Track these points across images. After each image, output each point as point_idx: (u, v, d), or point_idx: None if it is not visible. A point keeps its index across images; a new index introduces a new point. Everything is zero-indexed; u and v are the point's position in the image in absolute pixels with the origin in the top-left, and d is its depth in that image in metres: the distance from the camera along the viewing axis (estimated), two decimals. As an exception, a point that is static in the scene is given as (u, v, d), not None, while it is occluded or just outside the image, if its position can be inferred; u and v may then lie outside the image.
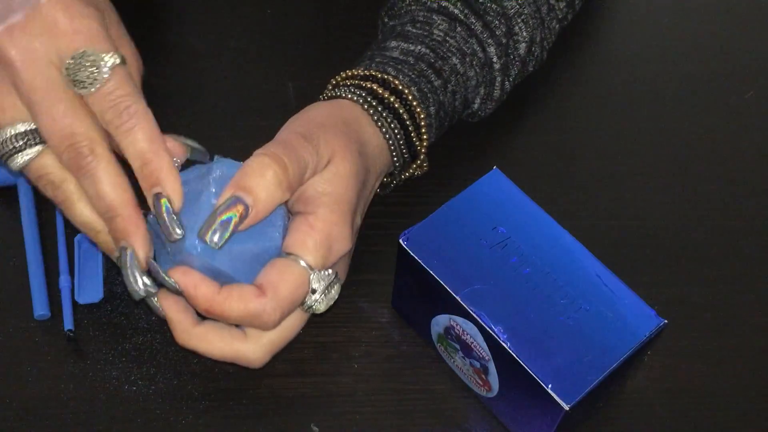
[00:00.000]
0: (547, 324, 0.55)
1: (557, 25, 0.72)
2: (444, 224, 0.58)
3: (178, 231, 0.53)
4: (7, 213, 0.67)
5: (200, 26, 0.78)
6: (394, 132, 0.62)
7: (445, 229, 0.58)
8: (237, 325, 0.57)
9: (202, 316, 0.56)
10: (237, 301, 0.54)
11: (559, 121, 0.75)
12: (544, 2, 0.69)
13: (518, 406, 0.57)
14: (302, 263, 0.55)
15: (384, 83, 0.62)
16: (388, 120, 0.62)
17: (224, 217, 0.53)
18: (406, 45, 0.65)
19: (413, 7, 0.68)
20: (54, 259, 0.64)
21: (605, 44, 0.80)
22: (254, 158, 0.54)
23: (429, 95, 0.64)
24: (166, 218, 0.53)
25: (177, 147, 0.56)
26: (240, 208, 0.53)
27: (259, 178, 0.53)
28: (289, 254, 0.55)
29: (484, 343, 0.56)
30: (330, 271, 0.56)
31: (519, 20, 0.67)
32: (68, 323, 0.61)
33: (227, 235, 0.53)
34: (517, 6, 0.68)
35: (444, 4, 0.67)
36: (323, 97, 0.63)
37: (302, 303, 0.56)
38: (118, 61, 0.52)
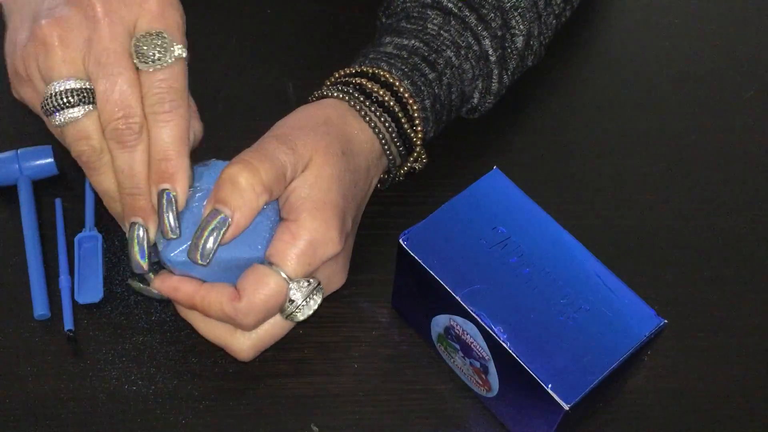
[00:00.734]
0: (547, 324, 0.55)
1: (554, 20, 0.72)
2: (444, 224, 0.58)
3: (177, 231, 0.54)
4: (7, 213, 0.67)
5: (200, 26, 0.78)
6: (384, 125, 0.62)
7: (445, 229, 0.58)
8: None
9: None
10: (213, 301, 0.55)
11: (559, 121, 0.75)
12: None
13: (518, 406, 0.57)
14: (282, 274, 0.55)
15: (374, 78, 0.62)
16: (377, 114, 0.61)
17: (206, 233, 0.54)
18: (399, 40, 0.65)
19: (408, 4, 0.68)
20: (54, 259, 0.64)
21: (605, 44, 0.80)
22: (225, 169, 0.55)
23: (423, 88, 0.63)
24: (170, 215, 0.54)
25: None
26: (220, 220, 0.54)
27: (232, 188, 0.54)
28: (269, 262, 0.56)
29: (484, 343, 0.56)
30: (311, 281, 0.57)
31: (515, 13, 0.68)
32: (68, 323, 0.61)
33: (212, 252, 0.54)
34: (514, 0, 0.68)
35: None
36: (311, 98, 0.64)
37: (282, 311, 0.57)
38: (184, 54, 0.54)
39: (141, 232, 0.55)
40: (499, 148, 0.73)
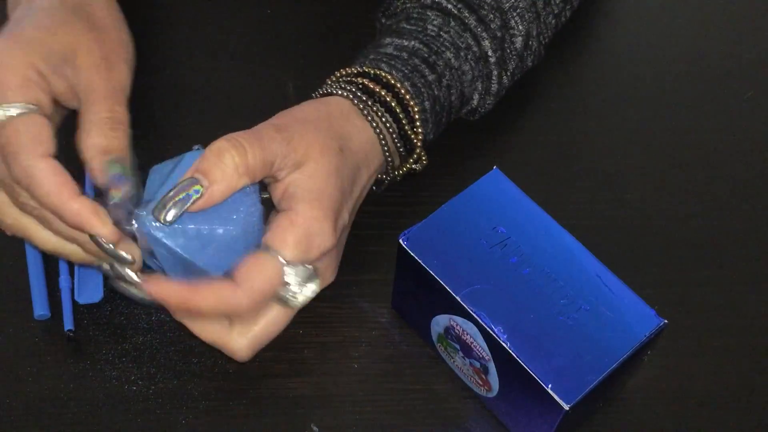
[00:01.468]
0: (547, 324, 0.55)
1: (554, 20, 0.72)
2: (444, 224, 0.58)
3: (126, 257, 0.55)
4: (7, 213, 0.67)
5: (200, 26, 0.78)
6: (386, 126, 0.62)
7: (445, 229, 0.58)
8: None
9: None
10: (208, 292, 0.54)
11: (559, 121, 0.75)
12: None
13: (518, 406, 0.57)
14: (278, 257, 0.55)
15: (376, 78, 0.63)
16: (379, 114, 0.62)
17: (178, 197, 0.54)
18: (399, 41, 0.65)
19: (408, 5, 0.68)
20: (54, 259, 0.64)
21: (605, 44, 0.80)
22: (215, 143, 0.55)
23: (423, 90, 0.64)
24: (109, 251, 0.54)
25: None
26: (195, 189, 0.54)
27: (217, 161, 0.54)
28: (267, 248, 0.56)
29: (484, 343, 0.56)
30: (308, 266, 0.56)
31: (514, 14, 0.68)
32: (68, 323, 0.61)
33: (178, 212, 0.54)
34: (512, 0, 0.68)
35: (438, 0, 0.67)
36: (315, 95, 0.64)
37: (278, 298, 0.57)
38: (14, 113, 0.54)
39: (102, 242, 0.54)
40: (499, 148, 0.73)
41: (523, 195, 0.60)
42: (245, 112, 0.73)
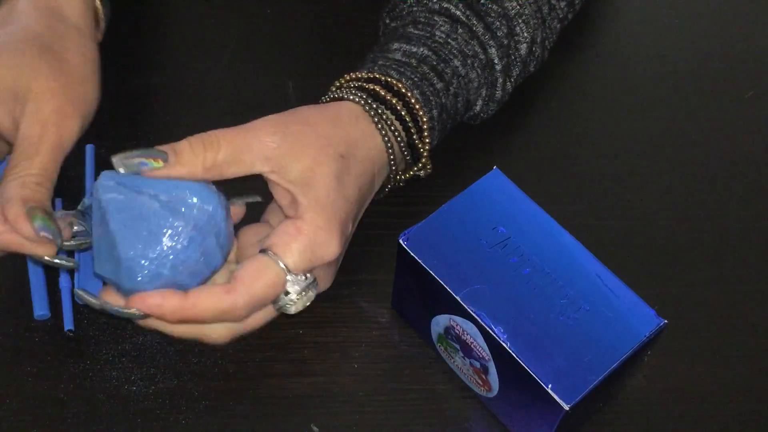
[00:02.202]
0: (547, 324, 0.55)
1: (558, 25, 0.72)
2: (444, 224, 0.58)
3: (68, 264, 0.56)
4: (7, 213, 0.67)
5: (200, 26, 0.78)
6: (394, 134, 0.62)
7: (445, 229, 0.58)
8: None
9: None
10: (207, 303, 0.54)
11: (559, 121, 0.75)
12: (545, 2, 0.69)
13: (518, 406, 0.57)
14: (281, 264, 0.55)
15: (387, 85, 0.62)
16: (388, 123, 0.62)
17: (141, 158, 0.54)
18: (408, 47, 0.65)
19: (415, 9, 0.68)
20: (54, 259, 0.64)
21: (605, 44, 0.80)
22: (197, 136, 0.56)
23: (431, 98, 0.64)
24: (56, 262, 0.56)
25: (235, 210, 0.59)
26: (160, 158, 0.54)
27: (189, 147, 0.55)
28: (269, 252, 0.56)
29: (484, 343, 0.56)
30: (309, 275, 0.57)
31: (520, 21, 0.67)
32: (68, 323, 0.61)
33: (133, 168, 0.54)
34: (518, 6, 0.67)
35: (445, 5, 0.67)
36: (325, 98, 0.63)
37: (275, 301, 0.57)
38: None
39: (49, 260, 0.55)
40: (499, 148, 0.73)
41: (523, 195, 0.60)
42: (245, 112, 0.72)
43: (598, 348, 0.54)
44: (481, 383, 0.59)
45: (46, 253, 0.55)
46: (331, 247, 0.56)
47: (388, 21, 0.71)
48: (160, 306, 0.54)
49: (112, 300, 0.55)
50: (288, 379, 0.61)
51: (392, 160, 0.62)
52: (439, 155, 0.67)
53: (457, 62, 0.65)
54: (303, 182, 0.57)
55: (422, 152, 0.64)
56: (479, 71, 0.66)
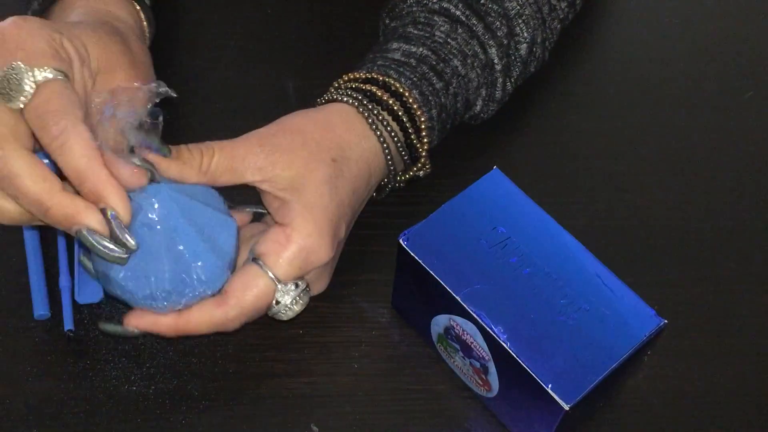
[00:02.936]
0: (547, 324, 0.55)
1: (559, 25, 0.72)
2: (444, 224, 0.58)
3: (131, 241, 0.52)
4: (7, 213, 0.67)
5: (200, 26, 0.78)
6: (390, 135, 0.62)
7: (445, 229, 0.58)
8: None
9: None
10: (199, 317, 0.56)
11: (559, 121, 0.75)
12: (545, 2, 0.69)
13: (518, 406, 0.57)
14: (270, 275, 0.56)
15: (384, 86, 0.62)
16: (384, 123, 0.61)
17: (154, 145, 0.54)
18: (407, 47, 0.65)
19: (414, 9, 0.68)
20: (54, 259, 0.64)
21: (605, 44, 0.80)
22: (194, 144, 0.56)
23: (431, 98, 0.63)
24: (117, 231, 0.51)
25: (241, 217, 0.60)
26: (163, 150, 0.55)
27: (187, 151, 0.56)
28: (260, 261, 0.56)
29: (484, 343, 0.56)
30: (299, 283, 0.57)
31: (520, 21, 0.67)
32: (68, 323, 0.61)
33: (140, 144, 0.54)
34: (518, 7, 0.67)
35: (445, 5, 0.67)
36: (321, 100, 0.64)
37: (267, 310, 0.58)
38: (50, 76, 0.51)
39: (113, 218, 0.51)
40: (499, 148, 0.73)
41: (523, 195, 0.60)
42: (245, 112, 0.73)
43: (598, 348, 0.54)
44: (481, 383, 0.59)
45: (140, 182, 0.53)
46: (321, 253, 0.57)
47: (387, 21, 0.71)
48: (155, 324, 0.56)
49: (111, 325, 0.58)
50: (288, 379, 0.61)
51: (389, 160, 0.62)
52: (439, 155, 0.67)
53: (456, 62, 0.65)
54: (293, 189, 0.57)
55: (421, 152, 0.64)
56: (479, 71, 0.66)
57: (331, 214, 0.57)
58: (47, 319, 0.62)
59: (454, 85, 0.65)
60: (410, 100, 0.62)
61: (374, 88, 0.62)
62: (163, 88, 0.56)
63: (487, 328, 0.55)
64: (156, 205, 0.54)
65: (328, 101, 0.63)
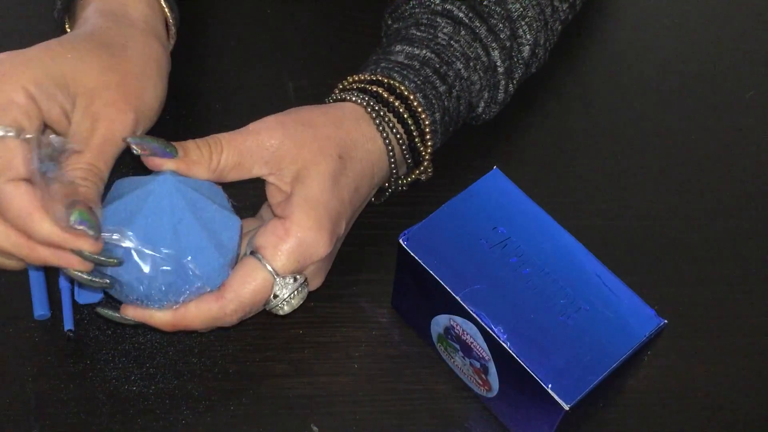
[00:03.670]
0: (547, 324, 0.55)
1: (560, 27, 0.72)
2: (444, 224, 0.58)
3: (106, 281, 0.54)
4: (7, 213, 0.67)
5: (200, 26, 0.78)
6: (396, 137, 0.62)
7: (445, 229, 0.58)
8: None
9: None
10: (196, 311, 0.56)
11: (559, 121, 0.75)
12: (547, 4, 0.69)
13: (518, 406, 0.57)
14: (269, 268, 0.56)
15: (389, 88, 0.62)
16: (390, 125, 0.61)
17: (156, 145, 0.55)
18: (410, 49, 0.65)
19: (417, 10, 0.68)
20: (54, 259, 0.64)
21: (605, 45, 0.80)
22: (204, 138, 0.57)
23: (434, 101, 0.63)
24: (86, 278, 0.54)
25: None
26: (168, 152, 0.55)
27: (196, 148, 0.56)
28: (258, 255, 0.56)
29: (484, 343, 0.56)
30: (298, 277, 0.57)
31: (523, 23, 0.67)
32: (68, 323, 0.61)
33: (148, 152, 0.55)
34: (521, 9, 0.67)
35: (448, 6, 0.67)
36: (329, 100, 0.63)
37: (265, 304, 0.57)
38: (9, 133, 0.52)
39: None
40: (499, 148, 0.73)
41: (523, 195, 0.60)
42: (245, 112, 0.72)
43: (598, 348, 0.54)
44: (481, 383, 0.59)
45: (86, 247, 0.52)
46: (319, 247, 0.57)
47: (390, 22, 0.71)
48: (152, 317, 0.56)
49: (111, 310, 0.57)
50: (288, 379, 0.61)
51: (393, 162, 0.62)
52: (439, 156, 0.67)
53: (459, 65, 0.65)
54: (298, 182, 0.57)
55: (424, 155, 0.64)
56: (482, 74, 0.66)
57: (332, 209, 0.57)
58: (47, 319, 0.62)
59: (457, 88, 0.65)
60: (415, 104, 0.62)
61: (380, 90, 0.62)
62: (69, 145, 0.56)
63: (487, 328, 0.55)
64: (162, 197, 0.54)
65: (336, 101, 0.63)
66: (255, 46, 0.77)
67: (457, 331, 0.57)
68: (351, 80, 0.64)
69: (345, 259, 0.62)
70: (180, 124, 0.72)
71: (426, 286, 0.57)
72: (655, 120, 0.75)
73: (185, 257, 0.54)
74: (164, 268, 0.54)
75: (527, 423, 0.57)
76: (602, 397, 0.59)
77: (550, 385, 0.53)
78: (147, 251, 0.53)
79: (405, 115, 0.62)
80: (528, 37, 0.68)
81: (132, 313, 0.56)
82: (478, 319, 0.55)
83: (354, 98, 0.61)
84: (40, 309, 0.62)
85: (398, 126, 0.62)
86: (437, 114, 0.64)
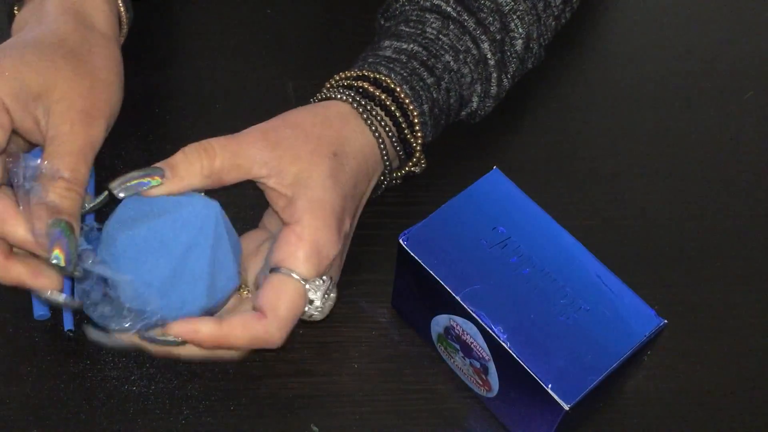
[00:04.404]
0: (547, 324, 0.55)
1: (554, 22, 0.72)
2: (444, 224, 0.58)
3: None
4: (7, 213, 0.67)
5: (200, 26, 0.78)
6: (385, 130, 0.62)
7: (445, 229, 0.58)
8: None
9: None
10: (241, 330, 0.54)
11: (559, 121, 0.75)
12: None
13: (518, 406, 0.57)
14: (295, 276, 0.55)
15: (375, 82, 0.62)
16: (378, 118, 0.62)
17: (138, 180, 0.54)
18: (398, 44, 0.65)
19: (407, 7, 0.68)
20: (54, 259, 0.64)
21: (605, 44, 0.80)
22: (193, 144, 0.56)
23: (421, 93, 0.64)
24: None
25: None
26: (156, 178, 0.54)
27: (184, 158, 0.55)
28: (281, 268, 0.55)
29: (484, 343, 0.56)
30: (325, 278, 0.56)
31: (514, 17, 0.68)
32: (68, 323, 0.61)
33: (131, 190, 0.54)
34: (512, 3, 0.68)
35: (437, 2, 0.67)
36: (315, 99, 0.64)
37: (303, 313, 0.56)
38: None
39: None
40: (499, 148, 0.73)
41: (523, 195, 0.60)
42: (245, 112, 0.72)
43: (598, 348, 0.54)
44: (481, 383, 0.59)
45: (61, 255, 0.53)
46: (331, 245, 0.56)
47: (382, 21, 0.71)
48: (196, 332, 0.54)
49: (153, 333, 0.55)
50: (288, 379, 0.61)
51: (385, 155, 0.62)
52: (438, 155, 0.67)
53: (448, 57, 0.65)
54: (299, 184, 0.57)
55: (415, 147, 0.64)
56: (472, 66, 0.66)
57: (337, 207, 0.57)
58: (47, 319, 0.62)
59: (446, 80, 0.65)
60: (401, 95, 0.62)
61: (366, 84, 0.62)
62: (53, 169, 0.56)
63: (487, 328, 0.55)
64: (199, 220, 0.54)
65: (323, 99, 0.63)
66: (255, 46, 0.77)
67: (457, 331, 0.57)
68: (337, 78, 0.64)
69: (345, 259, 0.62)
70: (180, 123, 0.72)
71: (426, 286, 0.57)
72: (654, 120, 0.75)
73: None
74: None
75: (527, 423, 0.57)
76: (602, 397, 0.59)
77: (550, 385, 0.53)
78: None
79: (392, 108, 0.62)
80: (520, 30, 0.68)
81: (177, 330, 0.54)
82: (478, 319, 0.55)
83: (339, 95, 0.62)
84: (40, 309, 0.62)
85: (386, 119, 0.62)
86: (425, 105, 0.64)
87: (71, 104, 0.57)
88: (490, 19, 0.67)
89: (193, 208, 0.54)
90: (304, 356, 0.62)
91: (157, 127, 0.71)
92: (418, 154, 0.64)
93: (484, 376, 0.58)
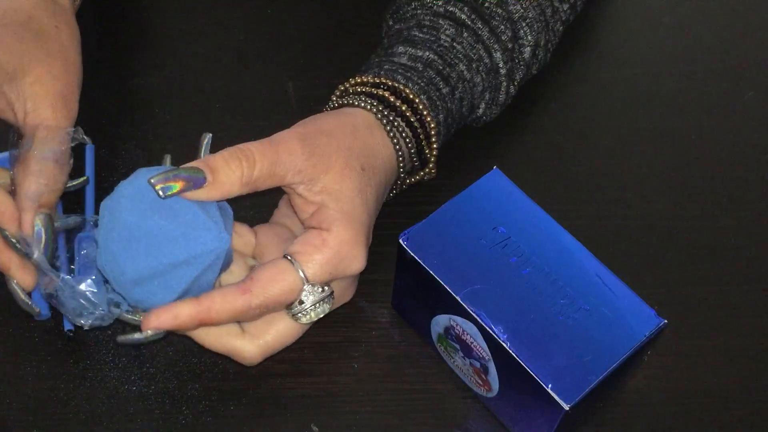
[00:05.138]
0: (547, 324, 0.55)
1: (561, 27, 0.72)
2: (444, 224, 0.58)
3: (36, 309, 0.58)
4: (7, 213, 0.67)
5: (200, 26, 0.78)
6: (405, 141, 0.62)
7: (445, 229, 0.58)
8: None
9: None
10: (221, 302, 0.54)
11: (559, 121, 0.75)
12: (548, 5, 0.69)
13: (518, 406, 0.57)
14: (300, 272, 0.55)
15: (395, 92, 0.62)
16: (399, 129, 0.61)
17: (181, 173, 0.53)
18: (413, 50, 0.65)
19: (419, 12, 0.68)
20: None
21: (605, 44, 0.80)
22: (230, 148, 0.55)
23: (438, 103, 0.63)
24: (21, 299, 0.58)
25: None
26: (201, 177, 0.54)
27: (225, 164, 0.54)
28: (292, 260, 0.55)
29: (484, 343, 0.56)
30: (326, 288, 0.57)
31: (524, 24, 0.67)
32: (68, 323, 0.61)
33: (173, 191, 0.53)
34: (522, 10, 0.67)
35: (450, 8, 0.66)
36: (332, 102, 0.63)
37: (289, 307, 0.57)
38: None
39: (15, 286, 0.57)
40: (499, 148, 0.73)
41: (523, 195, 0.60)
42: (245, 112, 0.73)
43: (598, 348, 0.54)
44: (481, 383, 0.59)
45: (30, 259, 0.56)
46: (355, 261, 0.57)
47: (391, 23, 0.71)
48: (176, 318, 0.54)
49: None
50: (288, 379, 0.61)
51: (401, 165, 0.62)
52: (439, 156, 0.67)
53: (462, 66, 0.65)
54: (331, 194, 0.56)
55: (430, 158, 0.64)
56: (484, 75, 0.66)
57: (363, 223, 0.57)
58: (47, 319, 0.62)
59: (459, 89, 0.65)
60: (420, 107, 0.62)
61: (386, 94, 0.62)
62: (80, 135, 0.59)
63: (487, 328, 0.55)
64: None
65: (341, 105, 0.62)
66: (255, 46, 0.77)
67: (457, 331, 0.57)
68: (354, 82, 0.63)
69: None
70: (180, 124, 0.72)
71: (426, 286, 0.57)
72: (654, 120, 0.75)
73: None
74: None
75: (527, 423, 0.57)
76: (602, 397, 0.59)
77: (550, 385, 0.53)
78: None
79: (412, 119, 0.62)
80: (529, 38, 0.68)
81: (155, 323, 0.54)
82: (478, 319, 0.55)
83: (362, 104, 0.61)
84: (40, 309, 0.62)
85: (407, 130, 0.62)
86: (441, 116, 0.64)
87: (48, 88, 0.57)
88: (502, 27, 0.66)
89: (208, 234, 0.54)
90: (304, 356, 0.62)
91: (157, 127, 0.71)
92: (431, 165, 0.64)
93: (484, 376, 0.58)
